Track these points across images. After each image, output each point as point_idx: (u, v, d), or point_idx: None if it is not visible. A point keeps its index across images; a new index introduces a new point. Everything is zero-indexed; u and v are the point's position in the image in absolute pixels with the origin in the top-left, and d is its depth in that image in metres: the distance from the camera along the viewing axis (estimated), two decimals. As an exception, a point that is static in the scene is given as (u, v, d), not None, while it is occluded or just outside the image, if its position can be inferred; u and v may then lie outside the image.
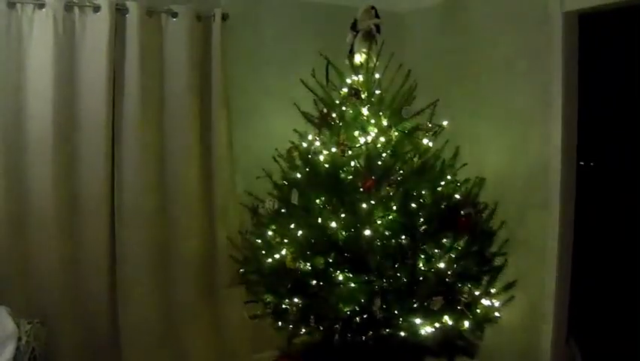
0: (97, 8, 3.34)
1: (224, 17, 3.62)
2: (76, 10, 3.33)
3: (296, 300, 3.06)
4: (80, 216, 3.37)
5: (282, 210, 3.17)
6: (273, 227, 3.17)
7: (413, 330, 2.87)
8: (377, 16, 3.35)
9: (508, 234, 3.16)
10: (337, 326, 2.95)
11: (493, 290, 3.08)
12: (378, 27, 3.29)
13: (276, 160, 3.27)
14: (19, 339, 2.66)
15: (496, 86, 3.68)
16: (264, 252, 3.18)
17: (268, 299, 3.17)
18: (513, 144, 3.60)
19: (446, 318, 2.93)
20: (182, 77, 3.51)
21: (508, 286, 3.13)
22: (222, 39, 3.60)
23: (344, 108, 3.16)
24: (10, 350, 2.60)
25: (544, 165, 3.39)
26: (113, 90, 3.39)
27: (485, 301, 3.04)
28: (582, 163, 4.46)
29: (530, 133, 3.49)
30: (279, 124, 3.55)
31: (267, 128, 3.75)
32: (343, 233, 2.94)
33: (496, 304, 3.10)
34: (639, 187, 4.29)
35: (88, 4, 3.34)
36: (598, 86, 4.30)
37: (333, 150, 3.07)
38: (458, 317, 2.96)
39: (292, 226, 3.07)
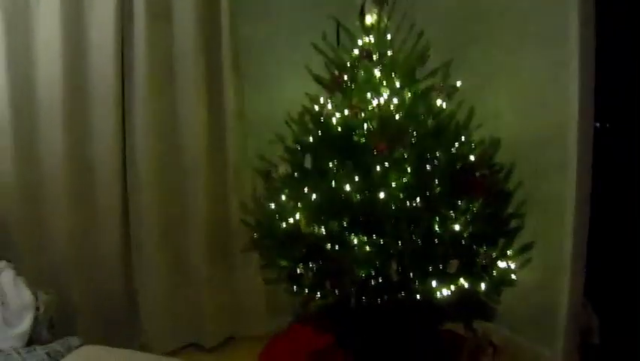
0: (104, -30, 3.29)
1: (234, -21, 3.56)
2: (83, -32, 3.28)
3: (311, 264, 3.06)
4: (92, 182, 3.37)
5: (295, 174, 3.14)
6: (287, 191, 3.14)
7: (429, 293, 2.86)
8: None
9: (525, 195, 3.11)
10: (353, 289, 2.95)
11: (509, 252, 3.04)
12: (386, -10, 3.22)
13: (288, 124, 3.23)
14: (37, 309, 2.65)
15: (510, 46, 3.60)
16: (277, 216, 3.15)
17: (283, 264, 3.16)
18: (528, 104, 3.54)
19: (462, 281, 2.91)
20: (192, 37, 3.45)
21: (525, 248, 3.09)
22: (231, 2, 3.54)
23: (356, 70, 3.11)
24: (28, 319, 2.60)
25: (560, 125, 3.33)
26: (122, 58, 3.36)
27: (502, 264, 3.01)
28: (598, 125, 4.41)
29: (546, 93, 3.42)
30: (291, 88, 3.50)
31: (278, 92, 3.70)
32: (357, 196, 2.91)
33: (513, 266, 3.07)
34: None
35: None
36: (615, 45, 4.21)
37: (346, 112, 3.03)
38: (474, 280, 2.94)
39: (306, 190, 3.04)
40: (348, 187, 2.90)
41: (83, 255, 3.34)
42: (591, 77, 3.31)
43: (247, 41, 3.69)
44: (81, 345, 2.50)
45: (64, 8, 3.21)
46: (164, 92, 3.45)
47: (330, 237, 2.95)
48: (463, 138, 3.11)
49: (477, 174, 2.97)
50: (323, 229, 2.98)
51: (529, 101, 3.54)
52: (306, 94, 3.23)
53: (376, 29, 3.15)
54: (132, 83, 3.39)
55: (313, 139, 3.11)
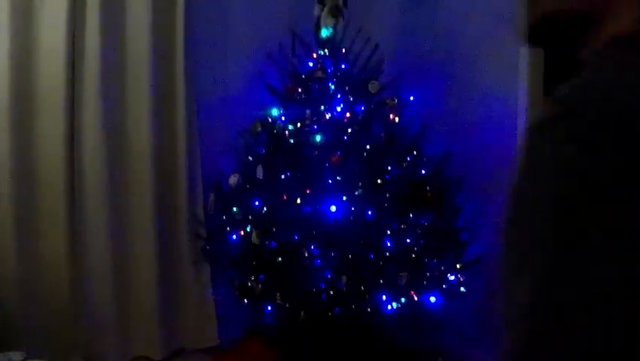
0: (55, -28, 3.23)
1: (188, -13, 3.52)
2: (33, -29, 3.21)
3: (261, 277, 3.04)
4: (37, 189, 3.27)
5: (247, 186, 3.12)
6: (238, 203, 3.12)
7: (379, 306, 2.87)
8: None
9: (475, 208, 3.16)
10: (303, 302, 2.94)
11: (458, 265, 3.08)
12: (345, 1, 3.24)
13: (240, 135, 3.22)
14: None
15: (464, 62, 3.65)
16: (228, 228, 3.13)
17: (233, 276, 3.13)
18: (480, 118, 3.59)
19: (412, 293, 2.93)
20: (144, 44, 3.40)
21: (474, 261, 3.13)
22: (187, 11, 3.50)
23: (310, 82, 3.12)
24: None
25: (510, 139, 3.38)
26: (73, 61, 3.29)
27: (451, 276, 3.05)
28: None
29: (498, 109, 3.47)
30: (245, 98, 3.48)
31: (232, 103, 3.67)
32: (309, 209, 2.91)
33: (462, 279, 3.11)
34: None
35: (47, -33, 3.22)
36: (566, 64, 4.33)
37: (299, 124, 3.03)
38: (424, 293, 2.96)
39: (257, 202, 3.02)
40: (299, 200, 2.90)
41: (25, 264, 3.25)
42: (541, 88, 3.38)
43: (201, 50, 3.65)
44: (24, 359, 2.43)
45: (13, 12, 3.13)
46: (114, 100, 3.38)
47: (281, 249, 2.93)
48: (414, 152, 3.14)
49: (427, 187, 3.01)
50: (274, 242, 2.97)
51: (481, 115, 3.59)
52: (261, 104, 3.22)
53: (331, 42, 3.17)
54: (82, 89, 3.31)
55: (265, 150, 3.11)
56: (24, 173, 3.23)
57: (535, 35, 0.88)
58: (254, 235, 2.99)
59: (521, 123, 3.34)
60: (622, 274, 0.74)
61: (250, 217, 3.04)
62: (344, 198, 2.90)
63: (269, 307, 3.05)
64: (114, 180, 3.40)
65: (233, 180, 3.14)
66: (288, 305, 2.98)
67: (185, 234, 3.49)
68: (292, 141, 3.03)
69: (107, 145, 3.35)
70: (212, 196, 3.34)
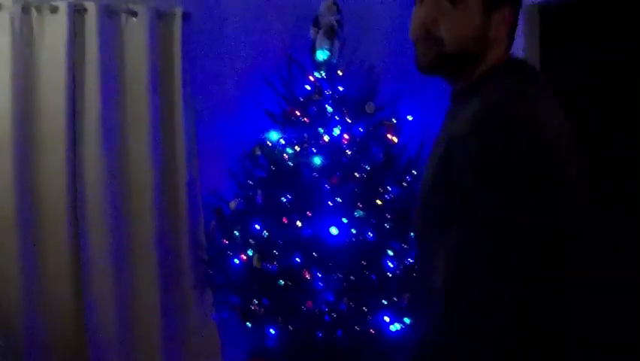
0: (54, 9, 3.28)
1: (186, 16, 3.56)
2: (33, 11, 3.26)
3: (264, 300, 3.04)
4: (41, 221, 3.29)
5: (247, 210, 3.14)
6: (239, 227, 3.13)
7: (382, 327, 2.86)
8: (339, 11, 3.33)
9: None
10: (306, 325, 2.94)
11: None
12: (340, 22, 3.27)
13: (239, 160, 3.23)
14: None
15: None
16: (230, 252, 3.14)
17: (236, 300, 3.13)
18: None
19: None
20: (143, 77, 3.44)
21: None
22: (184, 38, 3.54)
23: (307, 105, 3.14)
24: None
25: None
26: (73, 93, 3.33)
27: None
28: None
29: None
30: (244, 122, 3.50)
31: (231, 127, 3.69)
32: (310, 231, 2.92)
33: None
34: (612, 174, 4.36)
35: (45, 5, 3.27)
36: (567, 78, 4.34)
37: (297, 147, 3.05)
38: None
39: (257, 226, 3.03)
40: (299, 223, 2.90)
41: (31, 293, 3.26)
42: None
43: (200, 76, 3.68)
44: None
45: (15, 44, 3.17)
46: (115, 130, 3.42)
47: (283, 273, 2.94)
48: (414, 172, 3.15)
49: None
50: (275, 265, 2.97)
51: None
52: (259, 128, 3.24)
53: (328, 64, 3.20)
54: (83, 120, 3.35)
55: (265, 174, 3.12)
56: (29, 207, 3.26)
57: (436, 68, 1.30)
58: (255, 258, 2.99)
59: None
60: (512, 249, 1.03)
61: (251, 241, 3.05)
62: (344, 219, 2.91)
63: (272, 331, 3.04)
64: (116, 206, 3.42)
65: (233, 204, 3.16)
66: (290, 328, 2.97)
67: (187, 258, 3.50)
68: (291, 164, 3.04)
69: (108, 171, 3.37)
70: (213, 221, 3.36)
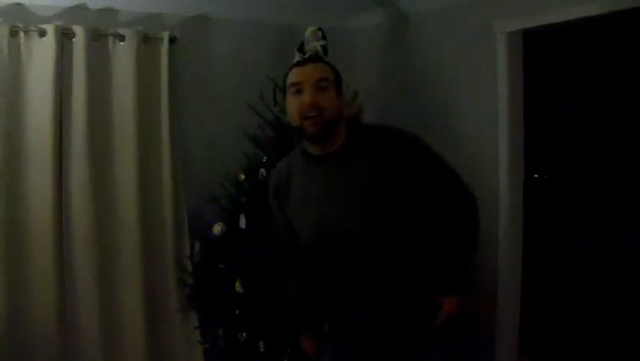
0: (42, 33, 3.31)
1: (172, 40, 3.59)
2: (21, 34, 3.29)
3: (248, 325, 3.06)
4: (25, 242, 3.31)
5: (231, 235, 3.16)
6: (222, 252, 3.15)
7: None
8: (324, 37, 3.36)
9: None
10: (287, 351, 2.95)
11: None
12: (325, 48, 3.29)
13: (223, 185, 3.25)
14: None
15: (440, 107, 3.70)
16: (213, 277, 3.16)
17: (220, 325, 3.15)
18: (458, 164, 3.60)
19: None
20: (130, 100, 3.47)
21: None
22: (170, 62, 3.58)
23: (292, 130, 3.15)
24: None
25: (492, 185, 3.41)
26: (60, 116, 3.36)
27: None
28: (536, 176, 4.56)
29: (476, 154, 3.50)
30: (228, 147, 3.52)
31: (215, 152, 3.72)
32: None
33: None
34: (592, 198, 4.39)
35: (33, 28, 3.30)
36: (552, 100, 4.38)
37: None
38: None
39: (241, 251, 3.05)
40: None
41: (15, 315, 3.27)
42: (520, 138, 3.42)
43: (185, 100, 3.72)
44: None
45: (2, 66, 3.21)
46: (101, 151, 3.44)
47: (265, 297, 2.95)
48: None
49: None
50: (258, 290, 2.99)
51: (459, 160, 3.59)
52: (243, 153, 3.27)
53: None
54: (69, 142, 3.38)
55: (248, 199, 3.14)
56: (13, 228, 3.28)
57: (323, 132, 1.91)
58: (237, 283, 3.01)
59: (503, 163, 3.37)
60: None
61: (234, 266, 3.07)
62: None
63: (254, 356, 3.05)
64: (101, 230, 3.44)
65: (217, 228, 3.18)
66: (272, 355, 2.99)
67: (172, 282, 3.52)
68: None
69: (93, 193, 3.40)
70: (197, 245, 3.38)
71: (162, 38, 3.57)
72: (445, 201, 2.00)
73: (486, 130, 3.43)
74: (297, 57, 3.30)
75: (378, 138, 1.95)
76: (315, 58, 2.08)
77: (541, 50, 3.80)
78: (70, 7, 3.47)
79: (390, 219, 1.94)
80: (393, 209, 1.93)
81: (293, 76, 1.97)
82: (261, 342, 2.95)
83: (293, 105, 1.94)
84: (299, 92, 1.92)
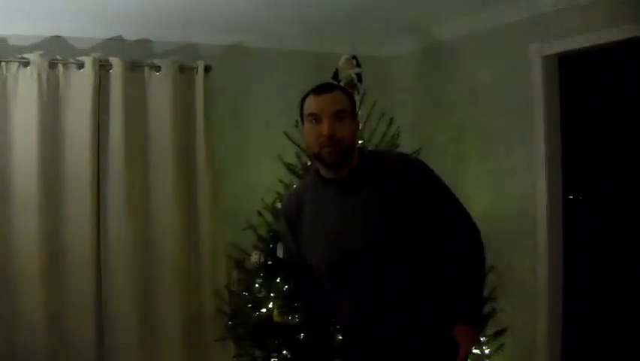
0: (81, 65, 3.38)
1: (207, 69, 3.64)
2: (60, 67, 3.36)
3: (284, 353, 3.04)
4: (65, 274, 3.35)
5: (268, 263, 3.16)
6: (259, 280, 3.15)
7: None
8: (358, 65, 3.37)
9: (497, 278, 3.14)
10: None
11: (482, 338, 3.05)
12: (359, 76, 3.30)
13: (260, 214, 3.26)
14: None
15: (478, 131, 3.68)
16: (251, 305, 3.16)
17: (257, 353, 3.14)
18: (497, 189, 3.59)
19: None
20: (166, 130, 3.53)
21: (498, 333, 3.10)
22: (205, 91, 3.62)
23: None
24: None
25: (530, 208, 3.37)
26: (98, 146, 3.41)
27: (475, 350, 3.01)
28: (571, 197, 4.50)
29: (514, 178, 3.48)
30: (265, 175, 3.52)
31: (252, 180, 3.72)
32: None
33: (487, 351, 3.07)
34: (628, 219, 4.32)
35: (72, 61, 3.37)
36: (588, 122, 4.34)
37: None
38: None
39: (278, 279, 3.05)
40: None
41: (55, 346, 3.30)
42: (557, 162, 3.39)
43: (221, 128, 3.75)
44: None
45: (41, 99, 3.27)
46: (138, 182, 3.49)
47: (302, 327, 2.93)
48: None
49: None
50: (296, 319, 2.98)
51: (498, 185, 3.58)
52: (280, 181, 3.27)
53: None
54: (107, 172, 3.43)
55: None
56: (54, 256, 3.33)
57: (341, 158, 1.94)
58: (275, 312, 3.00)
59: (539, 191, 3.34)
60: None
61: (272, 295, 3.06)
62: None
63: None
64: (139, 259, 3.47)
65: (255, 257, 3.18)
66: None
67: (210, 311, 3.53)
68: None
69: (132, 226, 3.44)
70: (234, 273, 3.39)
71: (197, 68, 3.62)
72: (450, 233, 2.02)
73: (523, 153, 3.40)
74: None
75: (387, 161, 2.04)
76: (330, 86, 2.04)
77: (578, 73, 3.77)
78: (108, 39, 3.55)
79: (405, 238, 1.95)
80: (406, 228, 1.95)
81: (311, 106, 1.98)
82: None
83: (311, 134, 1.97)
84: (317, 121, 1.95)
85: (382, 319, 1.97)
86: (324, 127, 1.91)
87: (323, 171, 2.04)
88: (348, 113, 1.98)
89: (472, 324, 2.01)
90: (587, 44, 3.12)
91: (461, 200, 2.03)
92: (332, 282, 2.03)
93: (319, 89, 2.00)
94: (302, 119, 2.02)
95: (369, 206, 1.95)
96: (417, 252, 1.96)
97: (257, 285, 3.15)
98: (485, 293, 3.05)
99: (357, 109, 2.11)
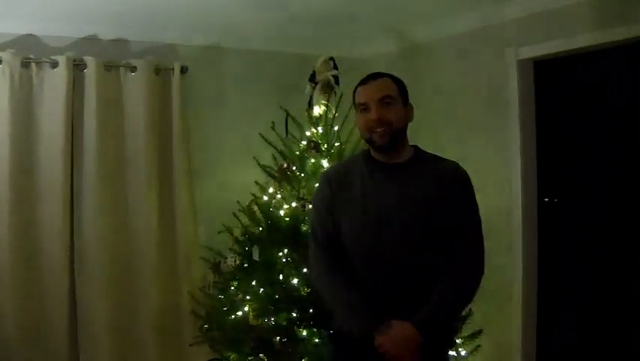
0: (54, 64, 3.33)
1: (183, 70, 3.62)
2: (33, 66, 3.31)
3: (260, 356, 3.03)
4: (39, 274, 3.30)
5: (244, 266, 3.14)
6: (235, 283, 3.13)
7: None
8: (335, 67, 3.36)
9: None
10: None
11: (458, 340, 3.06)
12: (336, 78, 3.29)
13: (236, 216, 3.24)
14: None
15: (453, 134, 3.70)
16: (226, 308, 3.13)
17: (232, 357, 3.12)
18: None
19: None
20: (142, 130, 3.50)
21: (474, 335, 3.12)
22: (181, 92, 3.60)
23: (304, 161, 3.15)
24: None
25: (504, 210, 3.39)
26: (72, 147, 3.37)
27: (451, 352, 3.02)
28: (547, 200, 4.54)
29: (489, 180, 3.49)
30: (241, 176, 3.48)
31: (228, 181, 3.71)
32: (306, 289, 2.91)
33: (463, 353, 3.08)
34: (604, 220, 4.38)
35: (45, 60, 3.32)
36: (562, 125, 4.38)
37: (294, 204, 3.06)
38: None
39: (254, 282, 3.03)
40: (295, 280, 2.90)
41: (28, 343, 3.25)
42: (532, 164, 3.42)
43: (198, 131, 3.73)
44: None
45: (13, 98, 3.23)
46: (113, 183, 3.45)
47: (279, 329, 2.93)
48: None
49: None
50: (272, 321, 2.96)
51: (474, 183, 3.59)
52: (256, 183, 3.26)
53: (324, 120, 3.21)
54: (81, 173, 3.40)
55: (261, 230, 3.12)
56: (27, 257, 3.29)
57: (391, 141, 2.03)
58: (251, 315, 2.99)
59: (514, 193, 3.36)
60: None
61: (247, 297, 3.04)
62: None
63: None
64: (114, 260, 3.44)
65: (230, 260, 3.16)
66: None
67: (185, 313, 3.50)
68: (287, 221, 3.05)
69: (107, 226, 3.41)
70: (210, 276, 3.36)
71: (174, 69, 3.59)
72: (462, 243, 2.05)
73: (499, 156, 3.42)
74: (309, 88, 3.31)
75: (439, 161, 2.15)
76: (377, 75, 2.14)
77: (555, 77, 3.81)
78: (82, 39, 3.50)
79: (435, 235, 2.01)
80: (439, 226, 2.02)
81: (359, 96, 2.09)
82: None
83: (361, 122, 2.07)
84: (366, 110, 2.04)
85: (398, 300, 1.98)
86: (372, 113, 2.01)
87: (375, 155, 2.10)
88: (396, 99, 2.06)
89: (419, 330, 1.90)
90: (563, 49, 3.15)
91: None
92: (360, 258, 2.04)
93: (366, 79, 2.12)
94: (356, 112, 2.11)
95: (414, 196, 2.01)
96: (438, 250, 2.00)
97: (232, 288, 3.13)
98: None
99: (407, 96, 2.15)
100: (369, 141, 2.07)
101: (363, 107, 2.05)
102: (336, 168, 2.29)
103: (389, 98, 2.03)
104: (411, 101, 2.15)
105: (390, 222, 2.00)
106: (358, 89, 2.11)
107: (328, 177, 2.19)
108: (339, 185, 2.12)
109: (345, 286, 2.04)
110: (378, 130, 2.01)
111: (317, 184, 3.02)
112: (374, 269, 2.02)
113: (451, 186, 2.06)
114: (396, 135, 2.03)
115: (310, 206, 2.98)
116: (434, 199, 2.02)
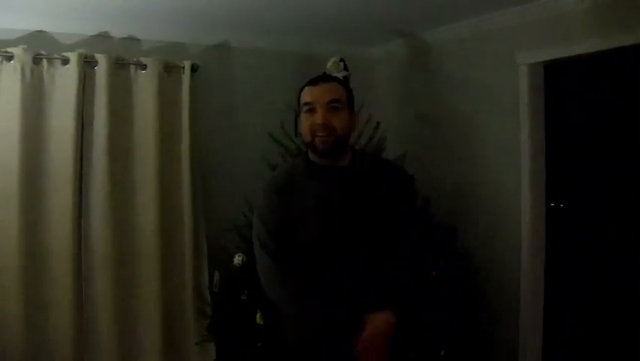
0: (65, 61, 3.33)
1: (194, 68, 3.61)
2: (44, 62, 3.31)
3: (265, 358, 3.02)
4: (45, 270, 3.30)
5: (251, 265, 3.12)
6: (242, 282, 3.12)
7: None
8: (346, 68, 3.37)
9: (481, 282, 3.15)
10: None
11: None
12: (347, 79, 3.30)
13: (245, 215, 3.24)
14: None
15: (462, 136, 3.69)
16: (233, 307, 3.13)
17: (237, 357, 3.11)
18: (480, 192, 3.60)
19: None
20: (151, 128, 3.49)
21: (482, 339, 3.11)
22: (192, 90, 3.59)
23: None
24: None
25: (512, 214, 3.38)
26: (81, 143, 3.37)
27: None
28: (553, 205, 4.54)
29: (498, 181, 3.49)
30: (250, 175, 3.49)
31: (237, 180, 3.71)
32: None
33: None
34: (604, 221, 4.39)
35: (56, 56, 3.33)
36: (570, 129, 4.38)
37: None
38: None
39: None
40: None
41: (34, 343, 3.25)
42: (541, 168, 3.40)
43: (206, 128, 3.72)
44: None
45: (24, 94, 3.23)
46: (122, 179, 3.45)
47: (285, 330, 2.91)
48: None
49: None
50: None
51: (482, 189, 3.60)
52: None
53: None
54: (90, 169, 3.39)
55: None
56: (34, 254, 3.28)
57: (334, 148, 2.02)
58: (258, 315, 2.98)
59: (525, 191, 3.34)
60: None
61: (255, 297, 3.03)
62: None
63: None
64: (121, 258, 3.43)
65: (237, 259, 3.16)
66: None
67: (191, 312, 3.50)
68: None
69: (114, 224, 3.40)
70: (217, 275, 3.36)
71: (184, 67, 3.59)
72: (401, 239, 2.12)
73: (508, 158, 3.42)
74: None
75: (385, 166, 2.20)
76: (327, 77, 2.16)
77: (565, 81, 3.80)
78: (94, 36, 3.51)
79: (378, 234, 2.07)
80: (381, 225, 2.07)
81: (306, 95, 2.06)
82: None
83: (305, 123, 2.04)
84: (311, 110, 2.02)
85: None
86: (318, 116, 1.99)
87: (315, 158, 2.09)
88: (343, 105, 2.04)
89: (390, 310, 2.01)
90: (573, 53, 3.13)
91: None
92: (315, 262, 2.06)
93: (316, 80, 2.09)
94: (300, 110, 2.08)
95: (358, 199, 2.04)
96: (380, 248, 2.06)
97: (240, 287, 3.12)
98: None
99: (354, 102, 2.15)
100: (310, 144, 2.05)
101: (308, 108, 2.02)
102: (279, 177, 2.21)
103: (337, 102, 2.01)
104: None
105: (340, 225, 2.03)
106: (306, 88, 2.08)
107: (274, 187, 2.14)
108: (286, 194, 2.10)
109: (306, 295, 2.04)
110: (321, 135, 2.00)
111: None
112: (330, 271, 2.06)
113: (392, 187, 2.10)
114: (339, 141, 2.02)
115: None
116: (377, 200, 2.06)
